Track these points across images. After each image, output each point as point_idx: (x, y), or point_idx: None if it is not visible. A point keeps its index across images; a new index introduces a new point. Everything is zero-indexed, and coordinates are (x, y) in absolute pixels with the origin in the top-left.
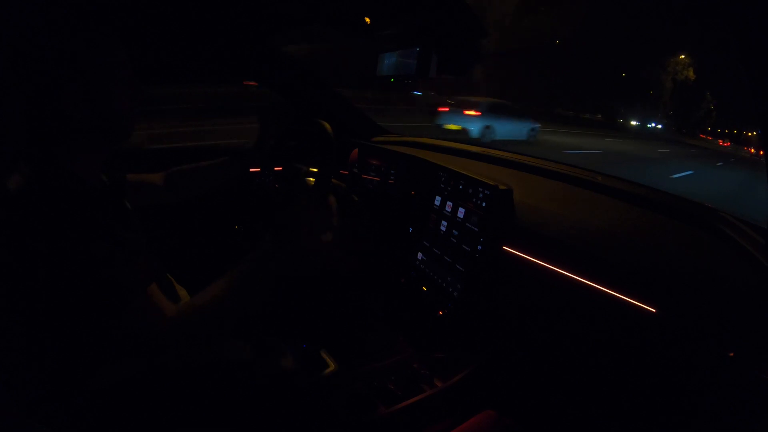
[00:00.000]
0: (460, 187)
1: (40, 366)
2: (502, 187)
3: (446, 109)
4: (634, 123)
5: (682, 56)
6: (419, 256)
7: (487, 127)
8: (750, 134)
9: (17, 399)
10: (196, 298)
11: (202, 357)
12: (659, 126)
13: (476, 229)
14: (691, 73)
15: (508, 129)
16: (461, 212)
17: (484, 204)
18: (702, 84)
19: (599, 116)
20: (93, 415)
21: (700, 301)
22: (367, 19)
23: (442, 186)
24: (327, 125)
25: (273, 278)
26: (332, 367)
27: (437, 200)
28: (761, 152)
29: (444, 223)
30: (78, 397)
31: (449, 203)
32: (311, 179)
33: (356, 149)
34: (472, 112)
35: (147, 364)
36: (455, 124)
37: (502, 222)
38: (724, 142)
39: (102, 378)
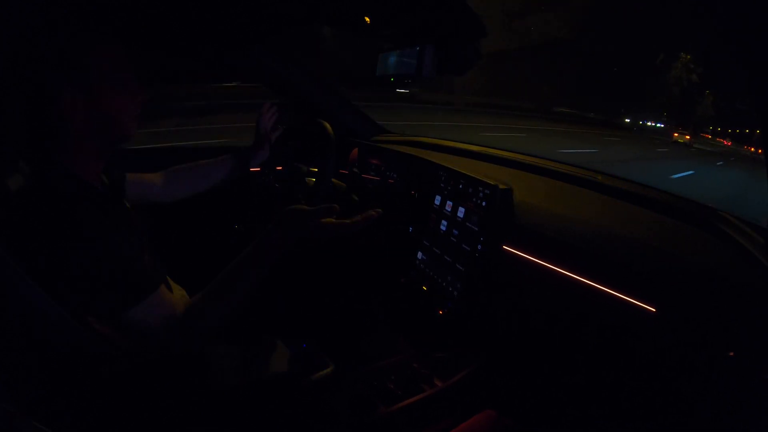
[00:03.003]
0: (460, 186)
1: (40, 366)
2: (502, 186)
3: (676, 135)
4: (627, 121)
5: (687, 56)
6: (419, 255)
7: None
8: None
9: (17, 399)
10: (203, 295)
11: (203, 356)
12: (660, 125)
13: (476, 229)
14: (695, 77)
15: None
16: (461, 212)
17: (484, 203)
18: (705, 83)
19: (594, 115)
20: (93, 415)
21: (700, 301)
22: (367, 19)
23: (442, 185)
24: (328, 125)
25: (268, 271)
26: (332, 367)
27: (437, 200)
28: (760, 150)
29: (444, 222)
30: (78, 396)
31: (449, 203)
32: (311, 179)
33: (356, 149)
34: (687, 137)
35: (146, 363)
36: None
37: (502, 221)
38: (725, 141)
39: (103, 376)
